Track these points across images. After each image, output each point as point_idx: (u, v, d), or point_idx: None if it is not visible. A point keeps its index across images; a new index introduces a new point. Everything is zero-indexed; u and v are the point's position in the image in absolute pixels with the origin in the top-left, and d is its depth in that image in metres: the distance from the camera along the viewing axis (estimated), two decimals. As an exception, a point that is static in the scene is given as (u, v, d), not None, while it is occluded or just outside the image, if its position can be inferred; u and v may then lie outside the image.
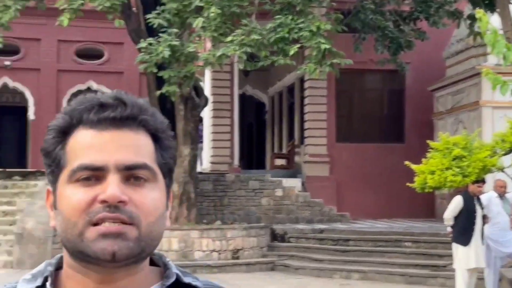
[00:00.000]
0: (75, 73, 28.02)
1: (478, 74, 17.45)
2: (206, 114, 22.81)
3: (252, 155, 30.55)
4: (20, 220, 18.72)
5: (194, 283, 1.32)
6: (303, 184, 22.48)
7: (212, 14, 14.69)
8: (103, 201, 1.21)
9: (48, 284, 1.30)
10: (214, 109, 23.59)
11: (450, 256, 12.92)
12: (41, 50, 25.71)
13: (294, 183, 22.24)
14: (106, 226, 1.21)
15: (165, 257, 1.38)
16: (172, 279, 1.29)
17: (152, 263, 1.35)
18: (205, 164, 25.00)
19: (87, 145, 1.26)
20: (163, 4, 15.80)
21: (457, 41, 20.47)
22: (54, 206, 1.31)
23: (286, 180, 22.09)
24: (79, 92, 27.26)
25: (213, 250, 17.42)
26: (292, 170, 24.41)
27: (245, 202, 21.15)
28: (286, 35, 14.92)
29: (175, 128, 18.36)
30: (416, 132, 21.18)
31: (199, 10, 15.33)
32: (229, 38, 15.02)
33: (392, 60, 19.88)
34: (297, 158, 24.79)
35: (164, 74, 15.95)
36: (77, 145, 1.27)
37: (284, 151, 27.49)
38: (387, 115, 23.44)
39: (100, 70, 27.80)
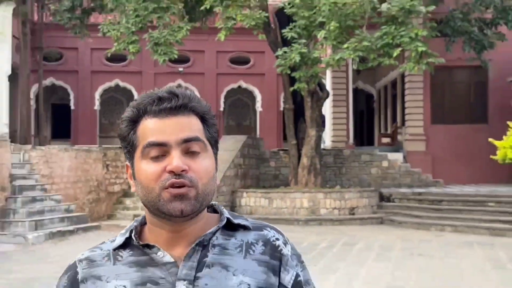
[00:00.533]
0: (229, 76, 29.40)
1: None
2: (328, 104, 22.61)
3: (363, 135, 30.85)
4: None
5: (243, 223, 1.47)
6: (404, 157, 22.62)
7: (332, 27, 14.85)
8: (170, 171, 1.35)
9: (133, 235, 1.44)
10: (334, 100, 23.69)
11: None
12: (205, 59, 26.61)
13: (397, 157, 22.45)
14: (175, 190, 1.34)
15: (220, 206, 1.51)
16: (224, 222, 1.44)
17: (215, 212, 1.50)
18: (327, 142, 25.22)
19: (153, 129, 1.38)
20: (294, 21, 16.10)
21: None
22: (133, 177, 1.43)
23: (390, 154, 22.35)
24: (232, 89, 29.21)
25: (334, 208, 17.81)
26: (395, 146, 24.64)
27: (358, 171, 21.66)
28: (390, 41, 15.06)
29: (304, 115, 19.04)
30: (497, 115, 20.83)
31: (322, 25, 15.45)
32: (345, 45, 15.21)
33: (477, 58, 19.81)
34: (399, 137, 24.97)
35: (296, 74, 16.40)
36: (145, 130, 1.39)
37: (389, 131, 27.74)
38: (473, 102, 23.03)
39: (248, 72, 29.29)
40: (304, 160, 18.45)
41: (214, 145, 1.44)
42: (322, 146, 20.50)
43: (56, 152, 17.54)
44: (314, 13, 15.26)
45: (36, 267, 11.18)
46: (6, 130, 19.03)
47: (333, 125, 23.62)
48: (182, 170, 1.32)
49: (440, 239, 14.14)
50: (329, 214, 17.43)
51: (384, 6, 15.17)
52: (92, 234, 15.61)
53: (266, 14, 17.39)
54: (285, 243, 1.46)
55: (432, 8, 16.06)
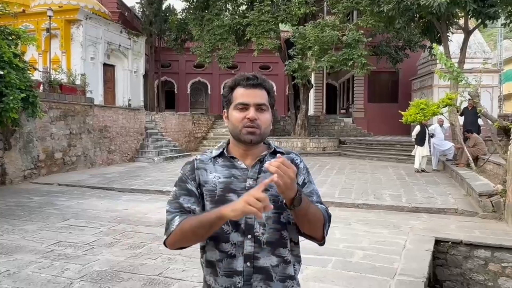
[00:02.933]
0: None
1: (432, 73, 16.80)
2: (312, 91, 20.09)
3: (331, 108, 26.04)
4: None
5: (281, 150, 1.38)
6: (352, 121, 20.86)
7: (315, 49, 14.49)
8: (248, 118, 1.28)
9: (224, 150, 1.37)
10: (315, 89, 21.41)
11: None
12: (246, 66, 24.08)
13: (349, 120, 20.84)
14: (249, 128, 1.29)
15: (270, 141, 1.41)
16: (272, 149, 1.37)
17: (267, 144, 1.41)
18: (311, 112, 22.06)
19: (242, 94, 1.31)
20: (295, 45, 15.24)
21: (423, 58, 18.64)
22: (227, 118, 1.35)
23: (345, 119, 20.94)
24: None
25: (314, 147, 16.95)
26: (348, 114, 22.24)
27: (327, 128, 20.46)
28: (347, 57, 14.28)
29: (299, 97, 17.97)
30: (403, 98, 19.43)
31: (310, 48, 14.70)
32: (322, 59, 14.61)
33: (393, 67, 18.56)
34: (350, 110, 22.27)
35: (295, 75, 15.61)
36: (237, 94, 1.32)
37: (345, 106, 24.64)
38: (390, 91, 21.18)
39: (269, 74, 24.60)
40: (299, 121, 17.92)
41: (272, 107, 1.38)
42: (308, 114, 19.73)
43: (168, 115, 17.57)
44: (306, 41, 14.66)
45: (159, 174, 11.23)
46: (142, 104, 19.39)
47: (314, 103, 22.62)
48: (254, 119, 1.31)
49: (370, 164, 13.86)
50: (312, 150, 16.80)
51: (344, 38, 14.73)
52: (186, 159, 14.72)
53: (279, 42, 17.01)
54: (301, 161, 1.44)
55: (370, 39, 15.78)
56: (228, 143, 1.42)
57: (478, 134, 11.12)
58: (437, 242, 5.13)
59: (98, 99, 15.73)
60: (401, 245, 4.91)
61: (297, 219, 1.29)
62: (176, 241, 1.30)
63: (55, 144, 11.18)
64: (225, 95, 1.38)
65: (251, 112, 1.31)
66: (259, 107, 1.32)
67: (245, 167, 1.34)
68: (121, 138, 14.14)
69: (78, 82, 13.78)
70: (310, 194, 1.37)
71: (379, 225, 5.92)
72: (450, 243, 5.20)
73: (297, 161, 1.41)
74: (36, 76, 11.48)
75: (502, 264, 4.97)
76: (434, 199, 7.57)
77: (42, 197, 7.97)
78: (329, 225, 1.38)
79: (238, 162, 1.35)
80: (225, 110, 1.40)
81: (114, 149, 13.95)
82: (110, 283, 3.63)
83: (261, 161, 1.35)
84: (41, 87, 11.63)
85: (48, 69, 12.95)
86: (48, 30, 14.60)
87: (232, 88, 1.36)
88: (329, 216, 1.38)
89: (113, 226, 5.78)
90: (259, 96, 1.33)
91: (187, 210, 1.32)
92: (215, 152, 1.40)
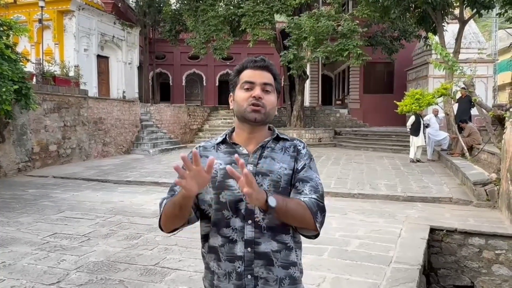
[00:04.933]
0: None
1: (427, 63, 16.56)
2: (308, 82, 20.59)
3: (326, 99, 26.08)
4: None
5: (284, 136, 1.40)
6: (348, 112, 21.00)
7: (311, 40, 14.27)
8: (254, 97, 1.29)
9: (227, 137, 1.38)
10: (311, 80, 21.87)
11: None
12: (241, 57, 21.51)
13: (344, 111, 21.01)
14: (254, 107, 1.30)
15: (273, 127, 1.41)
16: (275, 135, 1.39)
17: (270, 130, 1.42)
18: (307, 103, 21.93)
19: (248, 75, 1.34)
20: (290, 36, 14.96)
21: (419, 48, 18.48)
22: (233, 100, 1.37)
23: (341, 110, 21.02)
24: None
25: (310, 138, 16.87)
26: (344, 105, 22.47)
27: (323, 119, 20.62)
28: (342, 48, 14.16)
29: (295, 88, 17.94)
30: (398, 88, 19.46)
31: (305, 38, 14.47)
32: (318, 50, 14.55)
33: (388, 57, 18.69)
34: (346, 101, 22.68)
35: (291, 66, 15.50)
36: (244, 75, 1.35)
37: (340, 97, 24.65)
38: (386, 82, 21.27)
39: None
40: (295, 113, 17.87)
41: (278, 92, 1.39)
42: (304, 105, 19.81)
43: (163, 107, 17.52)
44: (301, 31, 14.70)
45: (155, 166, 11.25)
46: (137, 95, 19.24)
47: (310, 94, 22.42)
48: (259, 97, 1.32)
49: (366, 154, 13.89)
50: (307, 141, 16.27)
51: (339, 28, 14.60)
52: (182, 150, 14.85)
53: (275, 33, 16.89)
54: (304, 147, 1.43)
55: (365, 29, 15.43)
56: (232, 131, 1.42)
57: (471, 122, 11.21)
58: (432, 230, 5.16)
59: (92, 91, 15.70)
60: (396, 233, 4.94)
61: (280, 219, 1.28)
62: (164, 222, 1.34)
63: (49, 136, 11.12)
64: (232, 78, 1.40)
65: (257, 91, 1.31)
66: (264, 87, 1.33)
67: (247, 153, 1.34)
68: (116, 130, 14.10)
69: (71, 73, 13.64)
70: (307, 180, 1.35)
71: (374, 214, 5.95)
72: (444, 231, 5.23)
73: (299, 147, 1.41)
74: (29, 68, 11.33)
75: (496, 252, 5.02)
76: (429, 189, 7.60)
77: (37, 190, 7.95)
78: (322, 217, 1.32)
79: (240, 148, 1.35)
80: (231, 93, 1.40)
81: (109, 141, 13.89)
82: (107, 274, 3.65)
83: (263, 147, 1.36)
84: (34, 79, 11.51)
85: (41, 61, 12.80)
86: (40, 21, 14.39)
87: (239, 71, 1.38)
88: (321, 208, 1.32)
89: (109, 218, 5.79)
90: (266, 77, 1.35)
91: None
92: (218, 139, 1.41)
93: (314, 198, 1.32)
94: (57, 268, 3.78)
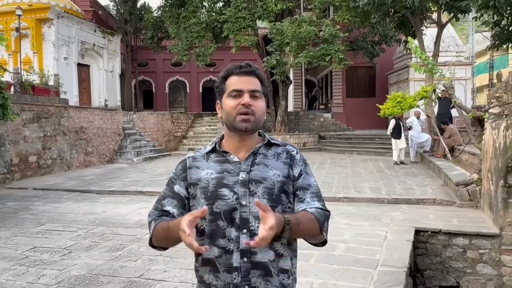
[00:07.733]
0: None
1: (407, 66, 16.78)
2: (291, 87, 20.39)
3: (310, 104, 26.64)
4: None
5: (276, 142, 1.38)
6: (332, 116, 20.84)
7: (293, 45, 14.41)
8: (243, 104, 1.27)
9: (216, 145, 1.35)
10: (294, 85, 21.36)
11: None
12: (224, 63, 22.22)
13: (328, 115, 20.75)
14: (243, 115, 1.27)
15: (264, 133, 1.40)
16: (266, 141, 1.36)
17: (261, 136, 1.38)
18: (290, 108, 21.48)
19: (235, 82, 1.30)
20: (273, 42, 15.04)
21: (399, 52, 18.99)
22: (221, 108, 1.34)
23: (325, 114, 20.79)
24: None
25: (295, 143, 16.16)
26: (327, 110, 22.38)
27: (307, 124, 20.31)
28: (324, 52, 14.25)
29: (279, 94, 17.86)
30: (380, 92, 19.41)
31: (288, 44, 14.55)
32: (300, 55, 14.61)
33: (370, 61, 18.75)
34: (329, 105, 22.25)
35: (274, 71, 15.52)
36: (231, 82, 1.31)
37: (324, 102, 24.64)
38: (368, 86, 21.32)
39: None
40: (279, 118, 17.75)
41: (265, 96, 1.37)
42: (288, 110, 19.64)
43: (146, 115, 17.45)
44: (284, 37, 14.70)
45: (139, 174, 11.16)
46: (119, 104, 18.98)
47: (294, 99, 22.32)
48: (249, 104, 1.29)
49: (350, 158, 13.93)
50: None
51: (321, 33, 14.86)
52: (166, 158, 15.45)
53: (257, 38, 16.77)
54: (297, 153, 1.39)
55: (346, 34, 15.78)
56: (221, 138, 1.40)
57: (451, 123, 11.34)
58: (417, 232, 5.20)
59: (73, 100, 15.51)
60: (382, 236, 4.95)
61: (291, 237, 1.26)
62: (156, 243, 1.32)
63: (28, 147, 10.89)
64: (218, 85, 1.36)
65: (246, 98, 1.28)
66: (253, 94, 1.31)
67: (238, 160, 1.31)
68: (98, 139, 13.99)
69: (51, 83, 13.38)
70: (306, 187, 1.34)
71: (360, 218, 5.97)
72: (429, 232, 5.28)
73: (293, 153, 1.38)
74: (7, 77, 11.06)
75: (480, 251, 5.09)
76: (413, 190, 7.67)
77: (16, 202, 7.76)
78: (327, 224, 1.33)
79: (231, 156, 1.33)
80: (218, 101, 1.37)
81: (91, 151, 13.67)
82: (89, 288, 3.54)
83: (255, 154, 1.33)
84: (12, 89, 11.26)
85: (19, 70, 12.52)
86: (17, 29, 14.11)
87: (225, 78, 1.35)
88: (327, 217, 1.32)
89: (92, 229, 5.67)
90: (253, 83, 1.32)
91: (165, 213, 1.32)
92: (208, 148, 1.38)
93: (320, 208, 1.32)
94: (37, 283, 3.68)
